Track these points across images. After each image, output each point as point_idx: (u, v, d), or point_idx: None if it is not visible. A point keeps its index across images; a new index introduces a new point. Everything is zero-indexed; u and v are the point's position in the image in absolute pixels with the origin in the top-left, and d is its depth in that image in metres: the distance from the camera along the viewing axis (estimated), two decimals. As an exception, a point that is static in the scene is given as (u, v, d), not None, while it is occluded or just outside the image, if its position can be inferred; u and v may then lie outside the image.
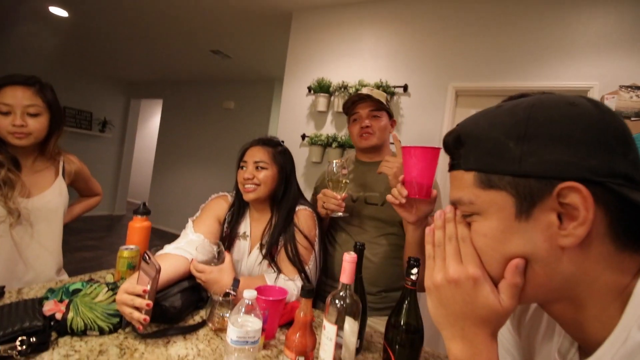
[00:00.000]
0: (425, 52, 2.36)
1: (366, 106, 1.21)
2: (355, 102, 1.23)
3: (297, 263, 1.02)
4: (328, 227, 1.31)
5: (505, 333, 0.55)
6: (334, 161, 1.09)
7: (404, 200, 0.84)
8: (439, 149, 0.78)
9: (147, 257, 0.76)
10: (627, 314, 0.34)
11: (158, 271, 0.71)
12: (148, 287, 0.71)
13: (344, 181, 1.07)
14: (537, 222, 0.37)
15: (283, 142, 1.21)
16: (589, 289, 0.37)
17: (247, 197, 1.08)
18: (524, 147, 0.37)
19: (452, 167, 0.45)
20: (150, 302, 0.71)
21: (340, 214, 1.08)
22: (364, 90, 1.22)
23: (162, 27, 3.50)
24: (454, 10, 2.28)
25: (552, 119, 0.37)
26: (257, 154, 1.10)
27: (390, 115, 1.26)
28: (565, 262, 0.36)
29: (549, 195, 0.36)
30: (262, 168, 1.09)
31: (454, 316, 0.42)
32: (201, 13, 3.09)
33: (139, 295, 0.73)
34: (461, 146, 0.43)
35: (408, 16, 2.44)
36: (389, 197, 0.89)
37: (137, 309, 0.73)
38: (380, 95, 1.22)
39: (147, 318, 0.71)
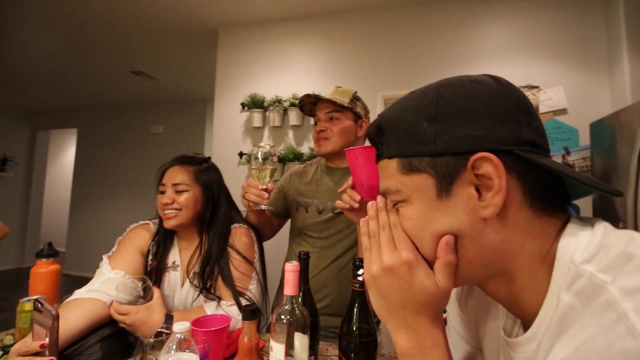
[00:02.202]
0: (354, 65, 2.48)
1: (324, 107, 1.11)
2: (316, 104, 1.14)
3: (235, 292, 0.93)
4: (290, 241, 1.23)
5: (455, 316, 0.55)
6: (260, 145, 0.98)
7: (357, 205, 0.79)
8: None
9: (39, 305, 0.63)
10: (554, 278, 0.34)
11: (55, 318, 0.58)
12: (47, 341, 0.58)
13: (269, 169, 0.97)
14: (457, 198, 0.37)
15: (209, 158, 1.10)
16: (516, 258, 0.37)
17: (168, 224, 0.96)
18: (437, 126, 0.38)
19: (377, 157, 0.45)
20: (54, 358, 0.58)
21: (263, 206, 0.97)
22: (327, 92, 1.10)
23: (72, 46, 3.17)
24: (377, 26, 2.44)
25: (458, 96, 0.38)
26: (175, 176, 0.98)
27: (359, 116, 1.12)
28: (489, 233, 0.37)
29: (464, 169, 0.37)
30: (183, 191, 0.97)
31: (395, 306, 0.41)
32: (117, 31, 2.86)
33: (37, 354, 0.59)
34: (382, 135, 0.43)
35: (334, 32, 2.55)
36: (338, 203, 0.83)
37: None
38: (343, 94, 1.09)
39: None
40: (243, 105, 2.63)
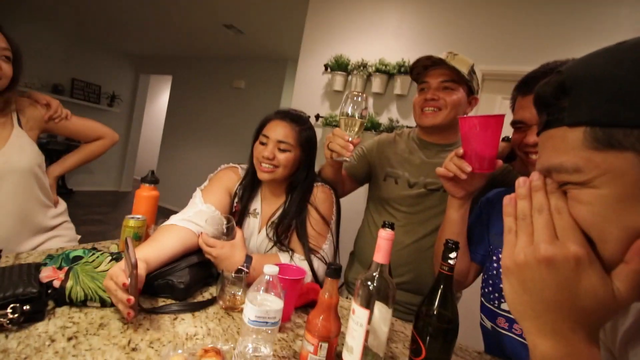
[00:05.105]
0: (451, 32, 2.22)
1: (438, 74, 0.98)
2: (428, 68, 1.01)
3: (308, 250, 0.93)
4: (368, 210, 1.19)
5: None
6: (355, 93, 0.89)
7: (464, 176, 0.74)
8: (502, 115, 0.71)
9: (127, 246, 0.65)
10: None
11: (134, 266, 0.60)
12: (128, 281, 0.62)
13: (359, 121, 0.89)
14: None
15: (309, 117, 1.08)
16: None
17: (262, 176, 0.97)
18: None
19: (548, 124, 0.35)
20: (132, 298, 0.61)
21: (346, 158, 0.90)
22: (442, 55, 0.97)
23: (175, -3, 3.37)
24: (485, -13, 2.13)
25: None
26: (281, 132, 0.96)
27: (472, 91, 1.01)
28: None
29: None
30: (285, 150, 0.96)
31: (543, 305, 0.33)
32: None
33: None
34: (565, 95, 0.33)
35: (435, -7, 2.29)
36: (440, 170, 0.78)
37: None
38: (461, 63, 0.96)
39: (132, 313, 0.62)
40: (326, 66, 2.57)
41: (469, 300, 1.25)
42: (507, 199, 0.38)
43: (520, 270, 0.35)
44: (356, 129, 0.90)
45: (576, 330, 0.32)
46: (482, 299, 0.85)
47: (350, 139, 0.89)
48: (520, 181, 0.37)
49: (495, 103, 2.13)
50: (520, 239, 0.35)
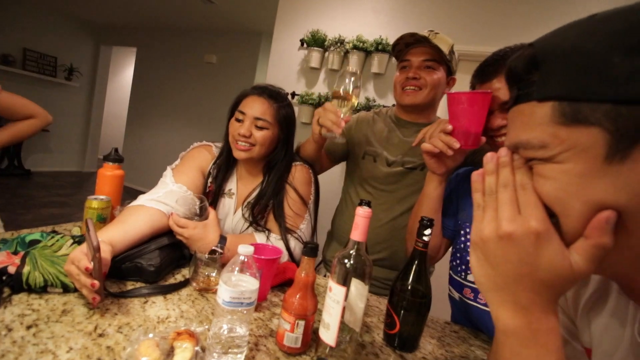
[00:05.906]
0: (430, 10, 2.21)
1: (421, 53, 0.98)
2: (409, 46, 1.00)
3: (285, 230, 0.92)
4: (346, 189, 1.19)
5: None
6: (351, 71, 0.87)
7: (451, 153, 0.74)
8: (490, 92, 0.72)
9: (88, 228, 0.61)
10: None
11: (96, 249, 0.57)
12: (91, 265, 0.58)
13: (353, 100, 0.87)
14: (637, 165, 0.28)
15: (288, 94, 1.03)
16: None
17: (238, 155, 0.93)
18: (637, 61, 0.27)
19: (518, 99, 0.35)
20: (96, 282, 0.57)
21: (335, 135, 0.87)
22: (424, 32, 0.96)
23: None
24: (464, -37, 2.11)
25: None
26: (259, 108, 0.92)
27: (451, 71, 1.02)
28: None
29: None
30: (263, 128, 0.92)
31: (504, 278, 0.34)
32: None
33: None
34: (536, 69, 0.33)
35: (414, -33, 2.24)
36: (425, 146, 0.78)
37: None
38: (442, 42, 0.95)
39: (97, 298, 0.59)
40: (302, 42, 2.48)
41: (438, 273, 1.31)
42: (475, 175, 0.38)
43: (484, 245, 0.35)
44: (348, 107, 0.89)
45: (536, 301, 0.33)
46: (451, 272, 0.89)
47: (342, 116, 0.87)
48: (488, 156, 0.37)
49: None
50: (486, 214, 0.36)
